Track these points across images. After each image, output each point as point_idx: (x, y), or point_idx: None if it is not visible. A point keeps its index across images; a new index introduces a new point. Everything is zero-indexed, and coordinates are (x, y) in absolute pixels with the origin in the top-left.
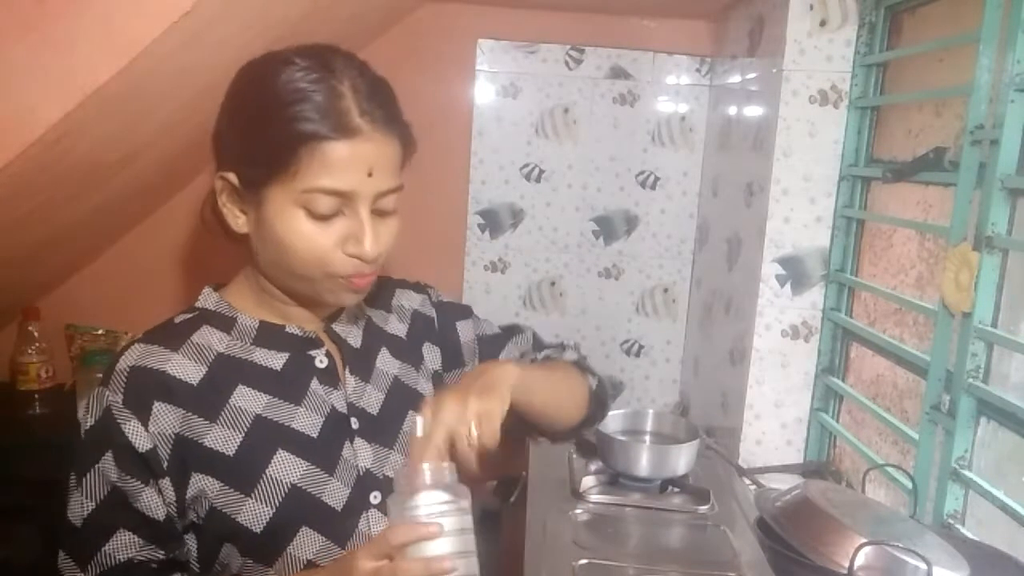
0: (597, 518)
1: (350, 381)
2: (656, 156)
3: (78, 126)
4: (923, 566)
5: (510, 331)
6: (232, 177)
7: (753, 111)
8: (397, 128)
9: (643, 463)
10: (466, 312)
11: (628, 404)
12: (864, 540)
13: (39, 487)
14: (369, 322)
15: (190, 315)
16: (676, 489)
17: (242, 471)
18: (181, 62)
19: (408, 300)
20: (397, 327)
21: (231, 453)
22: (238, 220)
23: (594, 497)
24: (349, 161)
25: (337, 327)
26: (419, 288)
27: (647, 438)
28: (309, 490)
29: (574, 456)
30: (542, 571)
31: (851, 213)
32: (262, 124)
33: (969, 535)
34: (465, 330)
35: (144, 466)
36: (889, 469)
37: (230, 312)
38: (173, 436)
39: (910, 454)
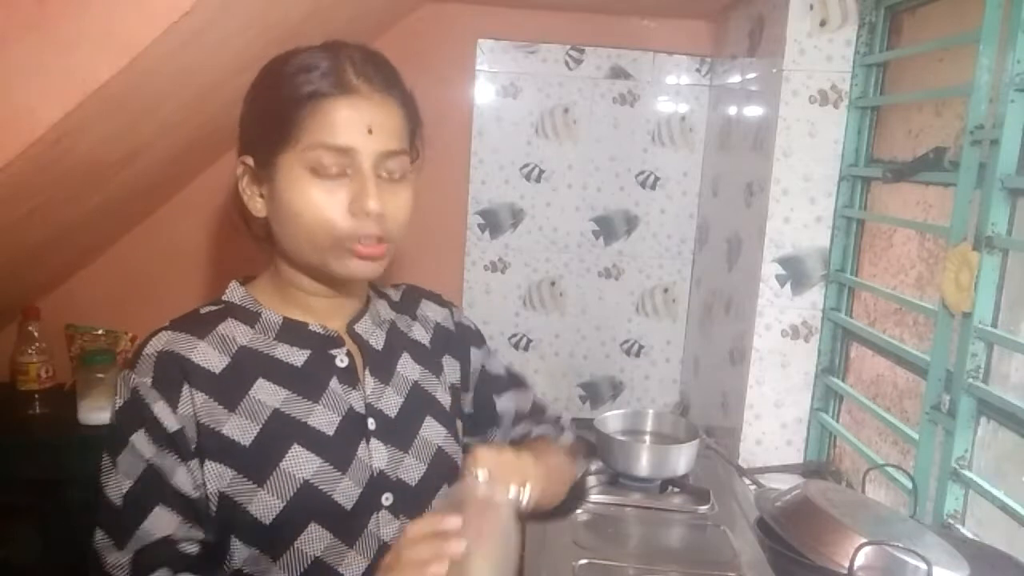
0: (597, 518)
1: (370, 382)
2: (656, 156)
3: (78, 126)
4: (923, 566)
5: (515, 380)
6: (249, 159)
7: (753, 111)
8: (397, 92)
9: (643, 463)
10: (480, 340)
11: (628, 404)
12: (864, 540)
13: (39, 487)
14: (393, 326)
15: (216, 307)
16: (676, 489)
17: (257, 462)
18: (181, 62)
19: (432, 312)
20: (420, 335)
21: (247, 443)
22: (257, 204)
23: (594, 497)
24: (348, 117)
25: (359, 328)
26: (442, 302)
27: (647, 438)
28: (320, 487)
29: None
30: (542, 571)
31: (851, 213)
32: (270, 100)
33: (969, 535)
34: (476, 358)
35: (170, 447)
36: (889, 469)
37: (255, 307)
38: (196, 420)
39: (910, 454)
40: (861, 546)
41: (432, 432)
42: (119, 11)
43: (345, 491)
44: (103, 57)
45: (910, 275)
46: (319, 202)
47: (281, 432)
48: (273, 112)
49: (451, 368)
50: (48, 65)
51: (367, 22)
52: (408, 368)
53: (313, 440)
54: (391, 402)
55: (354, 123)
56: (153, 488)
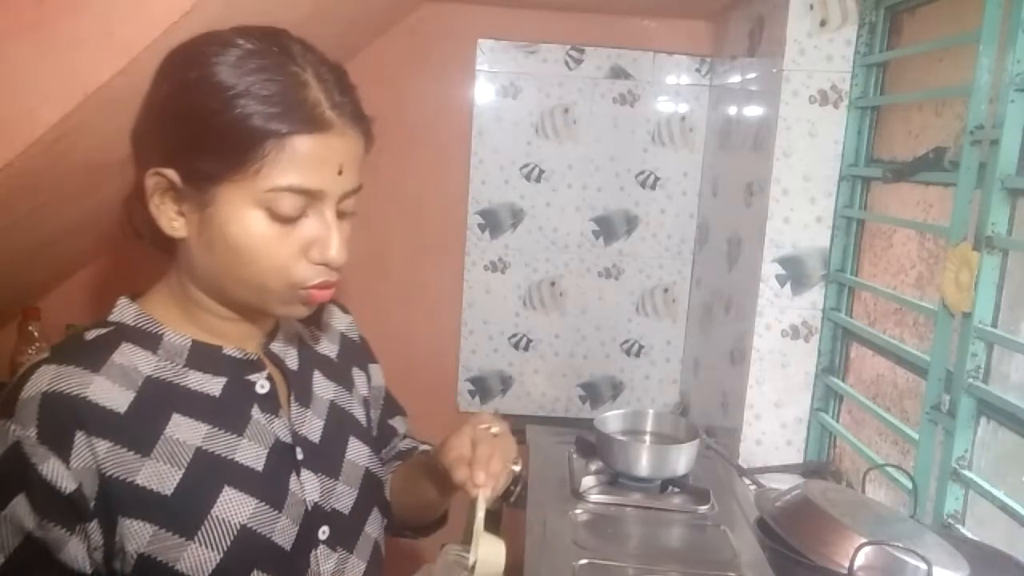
0: (597, 518)
1: (293, 407)
2: (656, 156)
3: (78, 126)
4: (923, 566)
5: (399, 404)
6: (171, 174)
7: (753, 111)
8: (364, 123)
9: (643, 463)
10: (376, 358)
11: (628, 404)
12: (864, 540)
13: None
14: (302, 342)
15: (104, 330)
16: (676, 489)
17: (183, 512)
18: None
19: (337, 320)
20: (328, 347)
21: (169, 492)
22: (174, 223)
23: (594, 497)
24: (320, 157)
25: (275, 348)
26: (345, 308)
27: (647, 438)
28: (259, 530)
29: (574, 456)
30: (542, 571)
31: (851, 213)
32: (214, 115)
33: (969, 535)
34: (376, 375)
35: (69, 510)
36: (889, 469)
37: (154, 328)
38: (98, 473)
39: (910, 454)
40: (861, 546)
41: (357, 454)
42: (119, 11)
43: (284, 531)
44: (103, 57)
45: (910, 275)
46: (274, 245)
47: (208, 474)
48: (218, 134)
49: (360, 381)
50: (48, 65)
51: (367, 22)
52: (322, 387)
53: (244, 479)
54: (314, 427)
55: (326, 162)
56: (33, 565)
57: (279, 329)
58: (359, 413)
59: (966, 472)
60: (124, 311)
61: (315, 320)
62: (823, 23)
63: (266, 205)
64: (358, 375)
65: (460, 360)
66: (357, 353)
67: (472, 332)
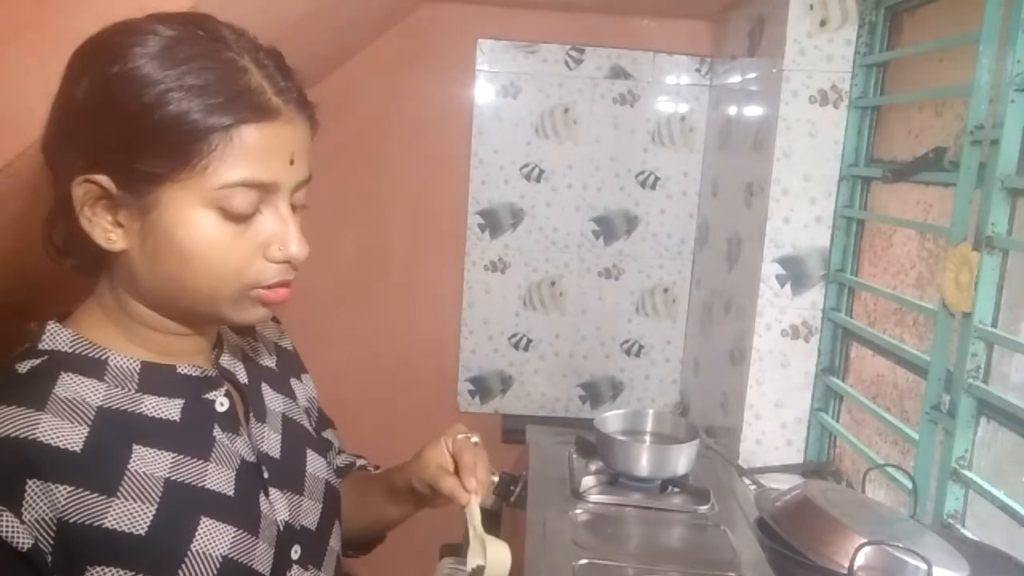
0: (597, 518)
1: (252, 424)
2: (656, 156)
3: None
4: (923, 566)
5: (327, 417)
6: (104, 180)
7: (753, 111)
8: (309, 109)
9: (643, 463)
10: (306, 368)
11: (628, 404)
12: (864, 540)
13: None
14: (244, 355)
15: (37, 361)
16: (676, 489)
17: (160, 551)
18: None
19: (269, 331)
20: (267, 359)
21: (143, 531)
22: (110, 235)
23: (594, 497)
24: (271, 147)
25: (225, 362)
26: (275, 318)
27: (647, 438)
28: (241, 560)
29: (574, 456)
30: (542, 571)
31: (851, 213)
32: (148, 111)
33: (969, 535)
34: (309, 386)
35: (25, 570)
36: (889, 469)
37: (96, 352)
38: (55, 522)
39: (910, 454)
40: (861, 546)
41: (316, 466)
42: (119, 11)
43: (262, 556)
44: None
45: (910, 275)
46: (229, 246)
47: (182, 507)
48: (155, 129)
49: (300, 392)
50: (48, 65)
51: (367, 22)
52: (272, 400)
53: (218, 506)
54: (273, 442)
55: (277, 152)
56: None
57: (224, 343)
58: (308, 424)
59: (966, 472)
60: (57, 337)
61: (250, 331)
62: (823, 23)
63: (217, 204)
64: (296, 385)
65: (460, 360)
66: (292, 363)
67: (472, 332)
